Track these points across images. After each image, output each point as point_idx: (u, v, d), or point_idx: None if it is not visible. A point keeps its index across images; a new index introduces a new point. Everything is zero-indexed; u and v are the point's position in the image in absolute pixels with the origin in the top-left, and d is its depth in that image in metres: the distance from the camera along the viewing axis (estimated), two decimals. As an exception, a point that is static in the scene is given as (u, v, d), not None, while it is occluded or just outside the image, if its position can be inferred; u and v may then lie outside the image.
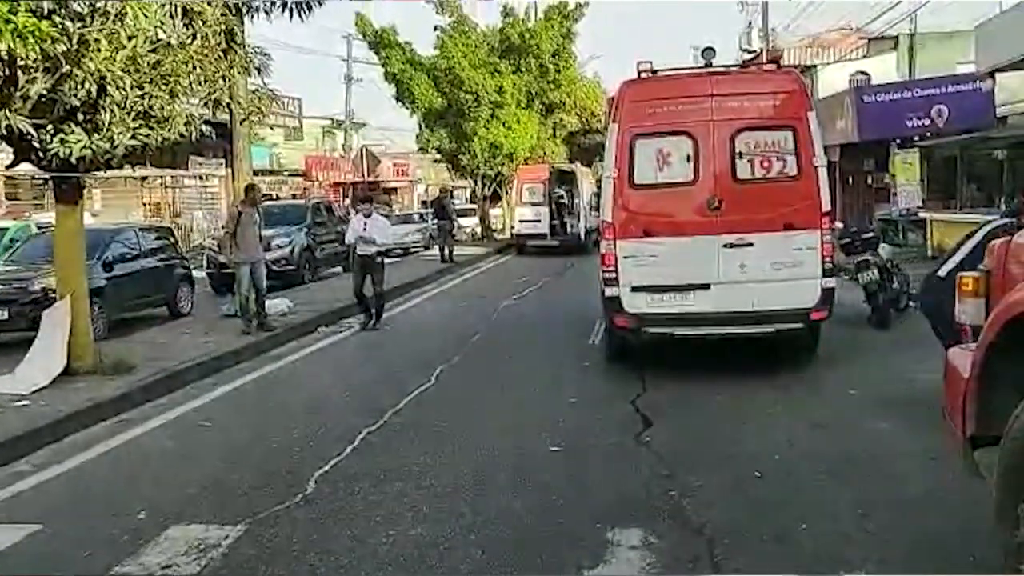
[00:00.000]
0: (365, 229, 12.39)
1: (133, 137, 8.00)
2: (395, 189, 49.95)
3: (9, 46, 6.71)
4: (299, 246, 18.10)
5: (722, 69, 9.30)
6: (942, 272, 6.34)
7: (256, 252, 11.78)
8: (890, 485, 5.25)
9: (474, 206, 34.12)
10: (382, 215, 16.15)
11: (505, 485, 5.53)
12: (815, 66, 29.44)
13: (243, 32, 9.74)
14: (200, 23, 8.20)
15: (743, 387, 7.79)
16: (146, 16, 7.62)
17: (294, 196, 35.09)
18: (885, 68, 27.78)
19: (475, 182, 31.34)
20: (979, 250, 6.28)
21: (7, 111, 7.26)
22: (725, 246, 8.08)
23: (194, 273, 15.17)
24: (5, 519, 5.30)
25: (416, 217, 32.55)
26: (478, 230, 31.92)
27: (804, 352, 8.68)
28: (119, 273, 12.38)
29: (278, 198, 29.78)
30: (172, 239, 15.05)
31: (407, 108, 29.23)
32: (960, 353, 3.86)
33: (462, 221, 30.07)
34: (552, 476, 5.68)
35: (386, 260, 13.02)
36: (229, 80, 9.21)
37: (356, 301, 12.61)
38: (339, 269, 19.32)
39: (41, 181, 21.64)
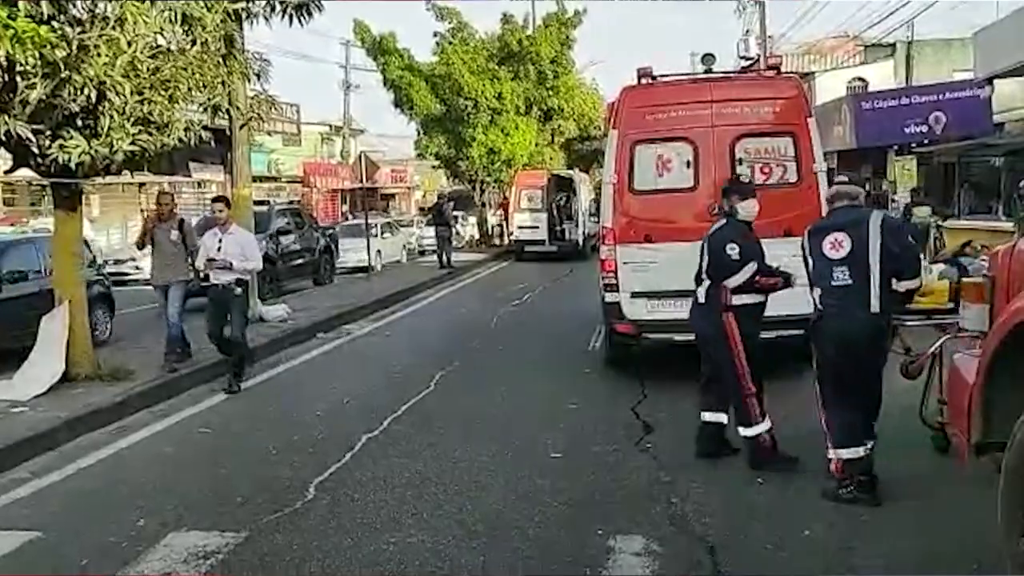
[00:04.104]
0: (219, 248, 8.88)
1: (132, 143, 7.98)
2: (393, 195, 50.02)
3: (8, 51, 6.72)
4: None
5: (722, 75, 9.29)
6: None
7: (169, 275, 9.55)
8: (893, 491, 5.22)
9: (457, 212, 33.89)
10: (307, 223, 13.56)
11: (506, 491, 5.51)
12: (812, 73, 29.50)
13: (242, 38, 9.73)
14: (199, 29, 8.19)
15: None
16: (146, 22, 7.61)
17: (291, 202, 35.02)
18: (882, 75, 27.89)
19: (473, 188, 31.33)
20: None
21: (6, 117, 7.24)
22: None
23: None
24: (4, 526, 5.27)
25: (364, 228, 21.13)
26: (475, 235, 31.87)
27: (803, 359, 8.65)
28: (9, 296, 10.09)
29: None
30: (89, 252, 12.18)
31: (406, 114, 29.27)
32: (965, 359, 3.86)
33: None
34: (553, 482, 5.66)
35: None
36: (228, 86, 9.21)
37: (217, 349, 9.23)
38: (309, 283, 18.50)
39: (39, 187, 21.68)
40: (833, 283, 5.14)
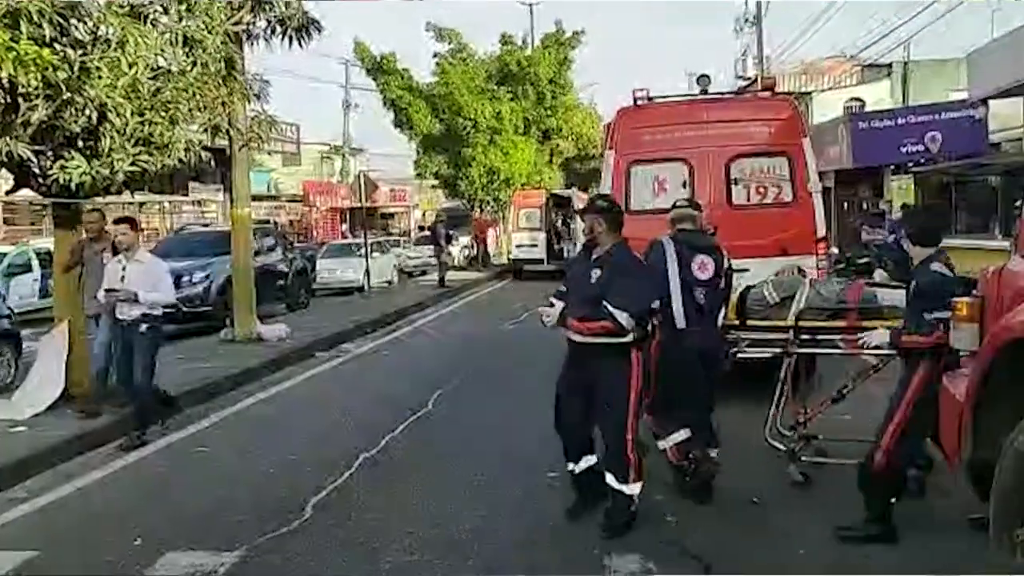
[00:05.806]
0: (123, 278, 7.52)
1: (133, 163, 8.02)
2: (392, 215, 50.15)
3: (10, 73, 6.77)
4: (218, 282, 14.42)
5: (717, 96, 9.38)
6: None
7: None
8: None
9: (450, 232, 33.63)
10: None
11: (502, 511, 5.53)
12: (810, 92, 29.69)
13: (242, 59, 9.82)
14: (200, 51, 8.27)
15: (740, 413, 7.75)
16: (147, 44, 7.68)
17: (291, 222, 35.10)
18: (879, 95, 28.06)
19: (472, 207, 31.43)
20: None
21: (8, 138, 7.30)
22: None
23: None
24: (2, 546, 5.27)
25: (352, 247, 22.53)
26: (472, 255, 31.85)
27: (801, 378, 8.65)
28: None
29: (276, 223, 29.05)
30: None
31: (405, 134, 29.46)
32: (955, 378, 3.89)
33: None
34: (549, 502, 5.66)
35: (162, 328, 8.00)
36: (228, 106, 9.27)
37: (129, 396, 7.77)
38: (282, 307, 17.15)
39: (40, 207, 21.76)
40: (697, 301, 5.60)
